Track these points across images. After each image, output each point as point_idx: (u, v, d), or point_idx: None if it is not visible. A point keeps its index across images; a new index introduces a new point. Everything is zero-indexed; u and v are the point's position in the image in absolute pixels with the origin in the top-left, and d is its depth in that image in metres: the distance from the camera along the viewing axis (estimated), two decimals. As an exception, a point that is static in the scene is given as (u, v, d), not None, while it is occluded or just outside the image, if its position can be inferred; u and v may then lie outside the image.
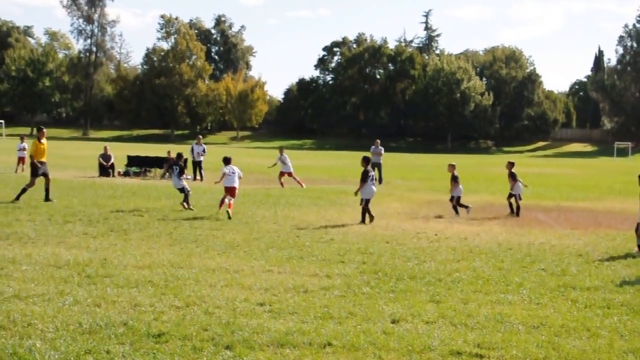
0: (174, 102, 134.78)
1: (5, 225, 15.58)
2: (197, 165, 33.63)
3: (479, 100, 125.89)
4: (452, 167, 21.17)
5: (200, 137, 37.52)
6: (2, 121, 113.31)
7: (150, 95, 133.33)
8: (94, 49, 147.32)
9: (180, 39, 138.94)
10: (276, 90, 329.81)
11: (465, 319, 8.70)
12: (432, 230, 17.00)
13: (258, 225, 17.13)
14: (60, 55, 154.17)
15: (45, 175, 21.45)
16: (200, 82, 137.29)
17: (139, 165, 35.71)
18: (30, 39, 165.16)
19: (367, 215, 18.26)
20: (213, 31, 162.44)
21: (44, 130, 22.51)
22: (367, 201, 18.40)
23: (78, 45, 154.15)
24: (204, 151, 33.99)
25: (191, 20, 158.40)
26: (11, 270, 10.70)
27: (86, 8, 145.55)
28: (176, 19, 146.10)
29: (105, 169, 34.23)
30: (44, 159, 21.64)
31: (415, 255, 13.34)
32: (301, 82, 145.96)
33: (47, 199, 21.00)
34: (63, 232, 14.82)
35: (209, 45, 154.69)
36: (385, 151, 37.15)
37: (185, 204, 19.70)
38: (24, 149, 34.37)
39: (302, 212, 20.07)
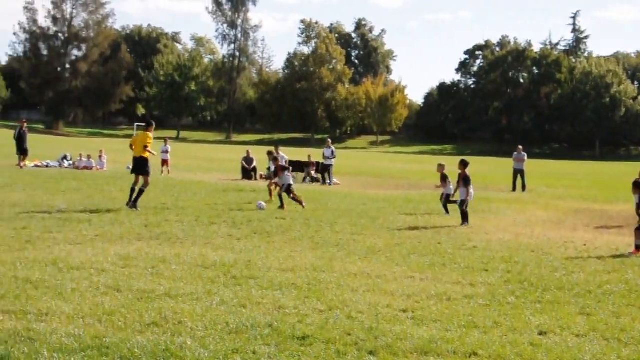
0: (314, 106, 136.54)
1: (155, 225, 16.17)
2: (325, 169, 33.81)
3: (630, 105, 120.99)
4: (441, 167, 21.66)
5: (329, 140, 37.62)
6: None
7: (291, 100, 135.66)
8: (237, 53, 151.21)
9: (320, 44, 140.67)
10: (416, 94, 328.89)
11: (618, 333, 8.34)
12: (581, 240, 16.44)
13: (399, 231, 17.07)
14: (206, 60, 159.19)
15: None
16: (340, 87, 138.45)
17: (281, 168, 36.30)
18: (177, 44, 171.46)
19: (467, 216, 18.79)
20: (353, 35, 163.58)
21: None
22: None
23: (222, 50, 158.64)
24: (332, 154, 34.09)
25: (331, 24, 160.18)
26: (162, 269, 11.08)
27: (230, 14, 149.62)
28: (316, 23, 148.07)
29: (248, 172, 35.04)
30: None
31: (562, 265, 12.93)
32: (442, 86, 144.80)
33: (132, 202, 19.35)
34: (209, 234, 15.24)
35: (349, 49, 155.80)
36: (529, 157, 36.23)
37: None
38: (167, 152, 35.60)
39: (443, 219, 19.87)
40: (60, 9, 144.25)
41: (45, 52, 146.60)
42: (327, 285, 10.36)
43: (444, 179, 21.23)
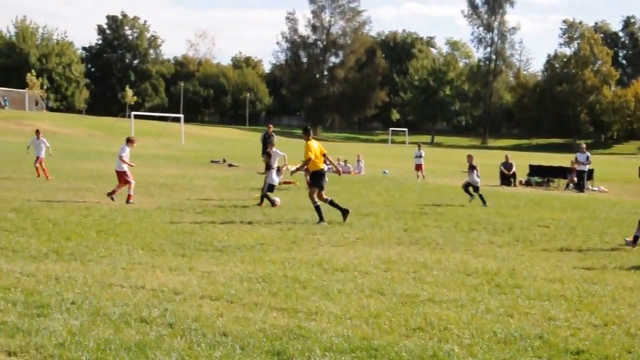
0: (576, 109, 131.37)
1: (414, 230, 16.18)
2: (580, 175, 32.13)
3: None
4: (470, 157, 23.41)
5: (584, 145, 35.55)
6: (406, 129, 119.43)
7: (550, 103, 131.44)
8: (494, 56, 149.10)
9: (583, 44, 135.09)
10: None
11: None
12: None
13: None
14: (461, 64, 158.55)
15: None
16: (606, 89, 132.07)
17: (541, 175, 35.23)
18: (432, 49, 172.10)
19: None
20: (620, 34, 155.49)
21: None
22: None
23: (478, 53, 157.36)
24: (587, 159, 32.32)
25: (596, 23, 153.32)
26: (423, 274, 11.00)
27: (486, 16, 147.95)
28: (579, 23, 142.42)
29: (507, 178, 34.27)
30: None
31: None
32: None
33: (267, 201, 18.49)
34: (469, 240, 14.98)
35: (615, 49, 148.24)
36: None
37: None
38: (421, 156, 35.57)
39: None
40: (319, 17, 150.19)
41: (305, 60, 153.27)
42: (599, 298, 9.75)
43: (471, 168, 23.02)
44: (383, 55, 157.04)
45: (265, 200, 20.07)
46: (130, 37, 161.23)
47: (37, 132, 27.09)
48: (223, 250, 12.39)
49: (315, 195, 17.26)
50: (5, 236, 12.74)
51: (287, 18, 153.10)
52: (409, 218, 18.31)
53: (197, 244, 12.83)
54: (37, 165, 25.70)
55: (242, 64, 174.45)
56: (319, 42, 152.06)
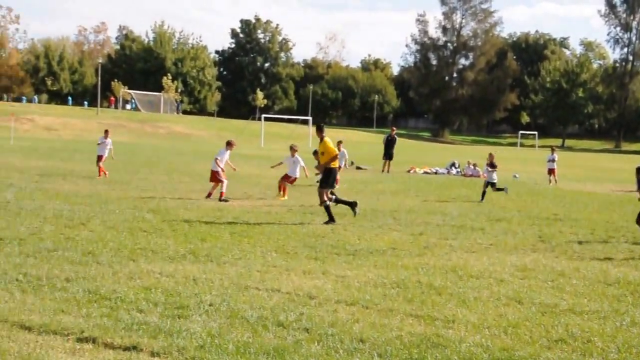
0: None
1: (549, 236, 15.73)
2: None
3: None
4: (491, 156, 24.61)
5: None
6: (536, 132, 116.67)
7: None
8: (631, 57, 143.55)
9: None
10: None
11: None
12: None
13: None
14: (595, 66, 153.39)
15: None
16: None
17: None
18: (565, 50, 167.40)
19: None
20: None
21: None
22: None
23: (614, 54, 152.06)
24: None
25: None
26: (562, 283, 10.66)
27: (624, 16, 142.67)
28: None
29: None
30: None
31: None
32: None
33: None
34: (607, 248, 14.42)
35: None
36: None
37: None
38: (554, 160, 34.50)
39: None
40: (450, 19, 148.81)
41: (434, 62, 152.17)
42: None
43: (490, 165, 24.12)
44: (514, 57, 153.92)
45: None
46: (262, 41, 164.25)
47: (106, 132, 27.76)
48: (355, 254, 12.39)
49: (325, 195, 16.98)
50: (144, 237, 13.16)
51: (417, 20, 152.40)
52: (543, 224, 17.81)
53: (330, 247, 12.89)
54: (101, 164, 26.44)
55: (371, 66, 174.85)
56: (449, 44, 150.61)
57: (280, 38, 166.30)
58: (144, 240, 12.71)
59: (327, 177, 17.17)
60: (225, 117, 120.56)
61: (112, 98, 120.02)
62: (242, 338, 7.20)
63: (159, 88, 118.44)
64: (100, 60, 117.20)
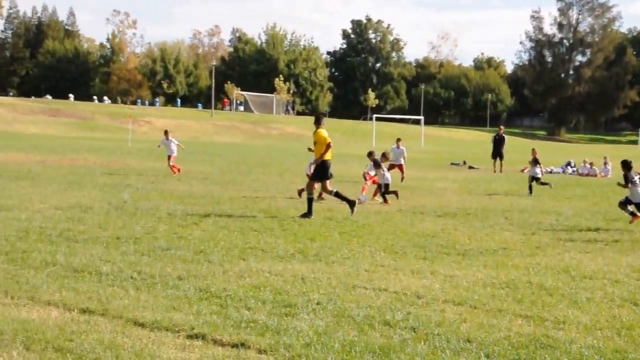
0: None
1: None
2: None
3: None
4: (534, 151, 25.24)
5: None
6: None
7: None
8: None
9: None
10: None
11: None
12: None
13: None
14: None
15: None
16: None
17: None
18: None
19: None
20: None
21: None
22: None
23: None
24: None
25: None
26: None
27: None
28: None
29: None
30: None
31: None
32: None
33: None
34: None
35: None
36: None
37: None
38: None
39: None
40: (566, 15, 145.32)
41: (549, 59, 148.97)
42: None
43: (534, 161, 24.56)
44: (634, 53, 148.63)
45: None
46: (373, 41, 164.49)
47: (166, 132, 28.21)
48: (465, 254, 12.22)
49: (312, 187, 16.90)
50: (255, 236, 13.36)
51: (532, 17, 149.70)
52: None
53: (439, 247, 12.76)
54: (172, 164, 26.91)
55: (484, 64, 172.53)
56: (565, 41, 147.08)
57: (391, 38, 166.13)
58: (254, 240, 12.91)
59: (320, 170, 17.00)
60: (337, 118, 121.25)
61: (226, 100, 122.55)
62: (348, 337, 7.21)
63: (272, 89, 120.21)
64: (214, 63, 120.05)
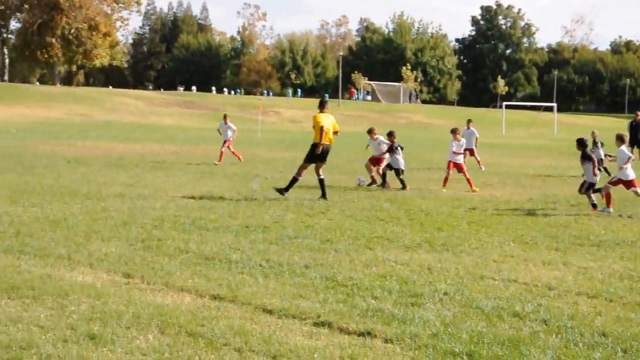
0: None
1: None
2: None
3: None
4: (593, 134, 24.37)
5: None
6: None
7: None
8: None
9: None
10: None
11: None
12: None
13: None
14: None
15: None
16: None
17: None
18: None
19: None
20: None
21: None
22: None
23: None
24: None
25: None
26: None
27: None
28: None
29: None
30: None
31: None
32: None
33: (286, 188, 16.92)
34: None
35: None
36: None
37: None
38: None
39: None
40: None
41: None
42: None
43: (594, 145, 23.53)
44: None
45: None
46: (503, 27, 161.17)
47: (225, 117, 27.94)
48: (600, 245, 11.77)
49: (304, 169, 17.05)
50: (381, 225, 13.31)
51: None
52: None
53: (572, 238, 12.33)
54: (223, 149, 26.70)
55: (622, 48, 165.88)
56: None
57: (522, 23, 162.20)
58: (380, 229, 12.86)
59: (312, 152, 16.96)
60: (466, 106, 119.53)
61: (353, 90, 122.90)
62: (477, 328, 7.06)
63: (398, 78, 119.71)
64: (341, 53, 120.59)
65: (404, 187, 19.38)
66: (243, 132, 56.81)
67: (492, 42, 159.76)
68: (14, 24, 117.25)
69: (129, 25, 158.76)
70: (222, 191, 17.94)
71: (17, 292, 7.90)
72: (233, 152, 27.26)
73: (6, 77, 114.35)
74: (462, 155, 20.71)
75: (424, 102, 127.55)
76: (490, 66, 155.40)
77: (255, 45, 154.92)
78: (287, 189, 16.88)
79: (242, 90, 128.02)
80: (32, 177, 19.66)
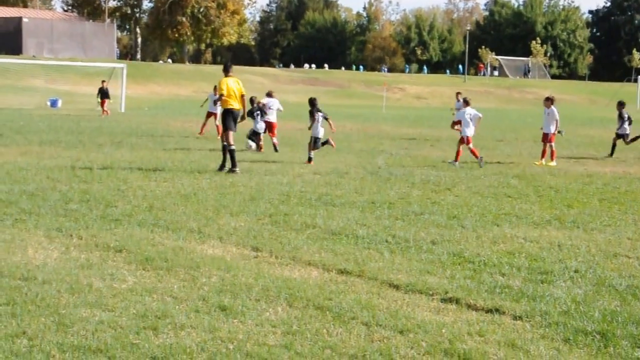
0: None
1: None
2: None
3: None
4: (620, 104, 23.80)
5: None
6: None
7: None
8: None
9: None
10: None
11: None
12: None
13: None
14: None
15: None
16: None
17: None
18: None
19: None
20: None
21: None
22: None
23: None
24: None
25: None
26: None
27: None
28: None
29: None
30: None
31: None
32: None
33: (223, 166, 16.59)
34: None
35: None
36: None
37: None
38: None
39: None
40: None
41: None
42: None
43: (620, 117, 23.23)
44: None
45: None
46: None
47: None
48: None
49: (230, 138, 16.32)
50: (509, 202, 13.10)
51: None
52: None
53: None
54: (217, 123, 25.63)
55: None
56: None
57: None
58: (508, 206, 12.66)
59: (225, 118, 16.67)
60: (598, 80, 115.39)
61: (481, 65, 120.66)
62: (610, 306, 6.89)
63: (527, 53, 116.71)
64: (469, 28, 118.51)
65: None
66: (368, 108, 56.89)
67: (629, 13, 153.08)
68: (146, 4, 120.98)
69: (256, 3, 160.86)
70: (347, 167, 18.06)
71: (151, 264, 8.23)
72: (204, 124, 27.03)
73: (138, 56, 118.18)
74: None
75: (553, 77, 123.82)
76: (625, 38, 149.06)
77: (380, 21, 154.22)
78: (233, 164, 16.35)
79: (364, 67, 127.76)
80: (163, 152, 20.33)
